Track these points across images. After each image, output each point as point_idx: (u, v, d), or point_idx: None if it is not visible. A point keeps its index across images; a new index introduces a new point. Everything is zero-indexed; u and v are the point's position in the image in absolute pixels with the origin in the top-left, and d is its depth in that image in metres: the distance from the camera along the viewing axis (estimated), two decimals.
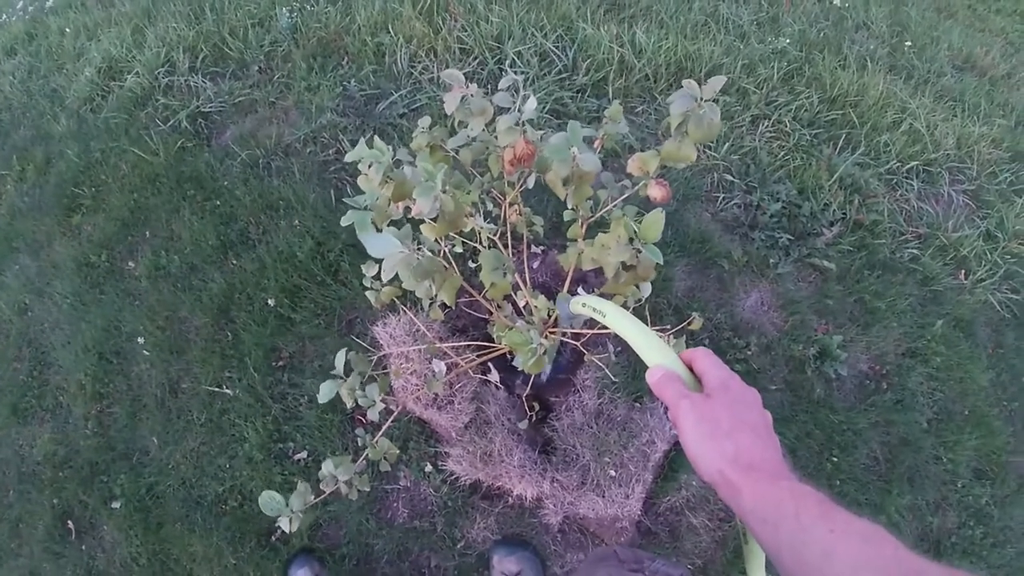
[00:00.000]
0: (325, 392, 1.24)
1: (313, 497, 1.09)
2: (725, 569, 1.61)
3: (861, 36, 2.46)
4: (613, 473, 1.55)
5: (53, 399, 2.15)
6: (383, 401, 1.20)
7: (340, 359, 1.21)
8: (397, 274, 0.99)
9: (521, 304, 1.50)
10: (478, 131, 1.24)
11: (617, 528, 1.59)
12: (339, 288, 1.88)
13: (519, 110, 1.13)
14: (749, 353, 1.79)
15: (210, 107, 2.41)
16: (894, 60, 2.37)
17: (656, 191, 1.19)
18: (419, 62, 2.33)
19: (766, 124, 2.16)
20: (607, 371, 1.53)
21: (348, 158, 1.30)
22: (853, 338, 1.83)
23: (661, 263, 1.01)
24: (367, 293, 1.34)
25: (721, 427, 0.59)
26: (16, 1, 3.29)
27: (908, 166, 2.08)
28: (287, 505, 1.06)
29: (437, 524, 1.65)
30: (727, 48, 2.35)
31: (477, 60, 2.30)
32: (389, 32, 2.44)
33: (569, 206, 1.22)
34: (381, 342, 1.79)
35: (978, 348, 1.84)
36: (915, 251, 1.95)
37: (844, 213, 1.98)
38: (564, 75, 2.23)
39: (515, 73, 2.28)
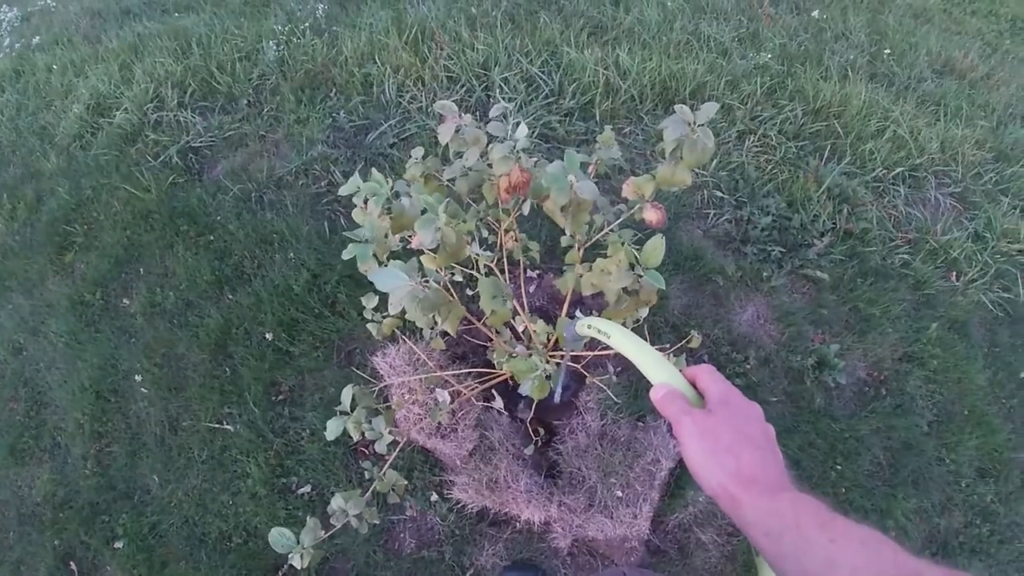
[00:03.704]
0: (332, 429, 1.23)
1: (323, 532, 1.09)
2: None
3: (840, 46, 2.51)
4: (620, 494, 1.55)
5: (51, 439, 2.13)
6: (389, 433, 1.20)
7: (346, 395, 1.21)
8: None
9: (520, 329, 1.50)
10: (473, 160, 1.25)
11: (626, 548, 1.58)
12: (337, 320, 1.88)
13: (512, 138, 1.15)
14: (748, 367, 1.80)
15: (200, 142, 2.42)
16: (874, 68, 2.42)
17: (652, 214, 1.21)
18: (407, 91, 2.35)
19: (752, 139, 2.19)
20: (609, 392, 1.53)
21: (343, 191, 1.31)
22: (850, 346, 1.84)
23: (663, 288, 1.02)
24: (368, 325, 1.34)
25: (722, 442, 0.59)
26: (2, 38, 3.30)
27: (894, 172, 2.12)
28: (298, 541, 1.05)
29: (445, 553, 1.63)
30: (710, 66, 2.39)
31: (464, 88, 2.33)
32: (376, 63, 2.46)
33: (568, 232, 1.23)
34: (381, 372, 1.79)
35: (974, 348, 1.86)
36: (906, 256, 1.97)
37: (834, 223, 2.01)
38: (551, 99, 2.26)
39: (503, 99, 2.31)
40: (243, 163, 2.32)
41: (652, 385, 0.69)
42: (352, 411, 1.21)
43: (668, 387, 0.67)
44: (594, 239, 1.30)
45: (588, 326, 0.88)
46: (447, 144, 1.25)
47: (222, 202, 2.21)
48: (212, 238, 2.14)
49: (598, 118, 2.26)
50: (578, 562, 1.62)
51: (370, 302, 1.34)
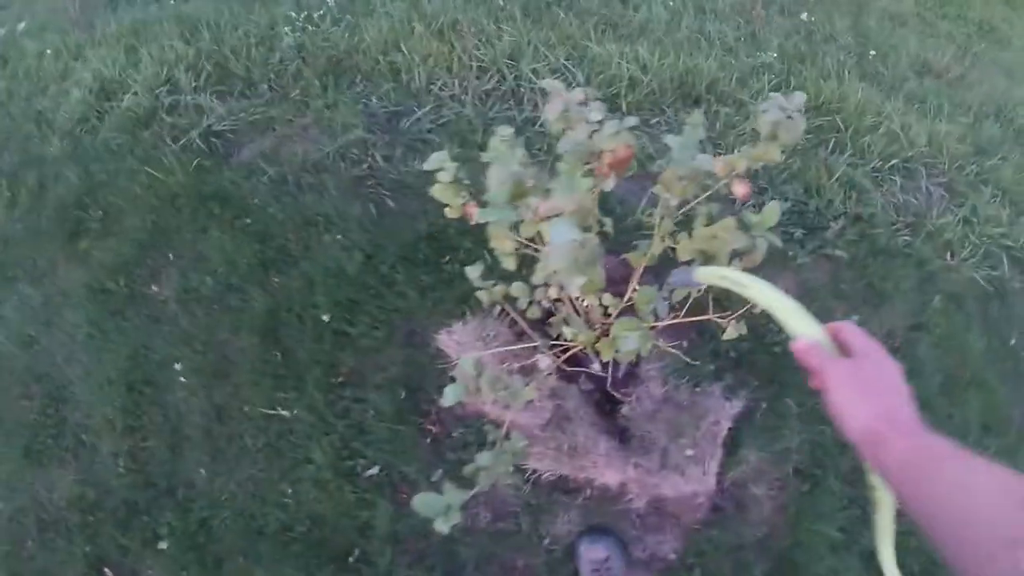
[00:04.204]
0: (451, 395, 1.26)
1: (467, 492, 1.12)
2: (787, 532, 1.74)
3: (830, 48, 2.73)
4: (690, 452, 1.66)
5: (73, 438, 2.03)
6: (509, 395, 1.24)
7: (467, 364, 1.24)
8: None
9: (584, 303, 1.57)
10: (583, 137, 1.33)
11: (694, 504, 1.69)
12: (396, 299, 1.90)
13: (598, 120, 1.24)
14: (781, 336, 1.96)
15: (223, 125, 2.37)
16: (862, 69, 2.66)
17: (740, 188, 1.34)
18: (437, 79, 2.40)
19: (735, 140, 2.35)
20: (681, 355, 1.64)
21: (428, 166, 1.36)
22: (868, 317, 2.03)
23: (780, 245, 1.14)
24: (478, 293, 1.39)
25: (872, 387, 0.65)
26: None
27: (890, 164, 2.34)
28: (446, 503, 1.08)
29: (522, 524, 1.68)
30: (721, 63, 2.56)
31: (495, 78, 2.39)
32: (402, 51, 2.49)
33: (672, 202, 1.33)
34: (447, 350, 1.83)
35: (971, 319, 2.09)
36: (908, 238, 2.19)
37: (845, 208, 2.20)
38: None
39: (530, 91, 2.39)
40: (273, 147, 2.29)
41: (793, 336, 0.73)
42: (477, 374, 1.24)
43: (809, 338, 0.72)
44: (684, 211, 1.41)
45: (722, 276, 0.92)
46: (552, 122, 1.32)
47: (257, 185, 2.18)
48: (249, 221, 2.11)
49: (624, 109, 2.38)
50: (646, 523, 1.71)
51: (474, 272, 1.39)
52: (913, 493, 0.58)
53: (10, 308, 2.27)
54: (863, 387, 0.66)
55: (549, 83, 1.31)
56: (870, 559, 1.73)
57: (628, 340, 1.35)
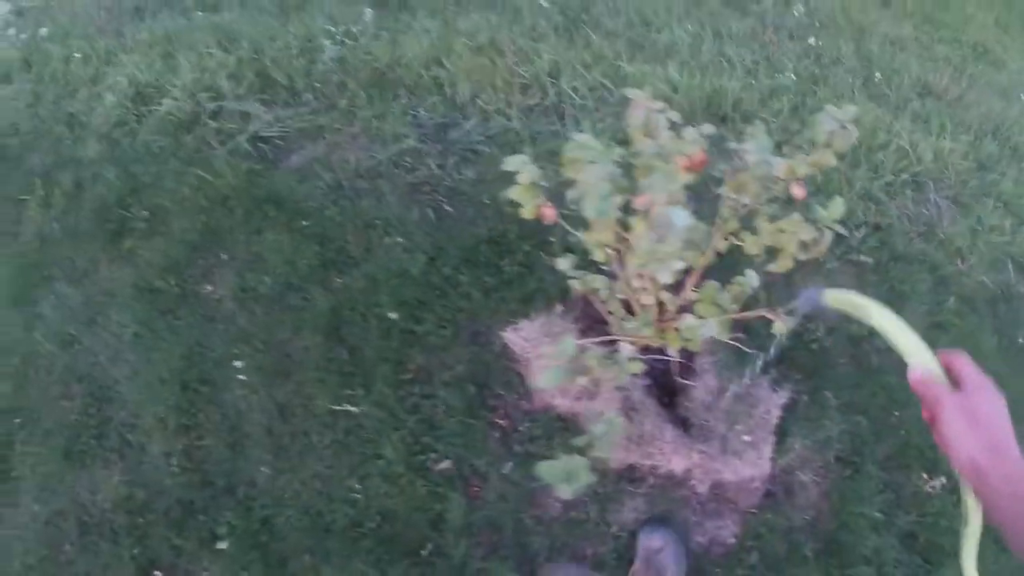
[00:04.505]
0: (549, 378, 1.34)
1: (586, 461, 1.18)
2: (833, 515, 1.85)
3: (838, 71, 2.94)
4: (747, 438, 1.76)
5: (119, 438, 2.02)
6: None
7: (568, 345, 1.32)
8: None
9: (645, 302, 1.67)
10: (666, 142, 1.44)
11: (751, 489, 1.79)
12: (460, 300, 1.96)
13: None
14: (819, 335, 2.09)
15: (271, 132, 2.42)
16: (869, 90, 2.86)
17: (798, 190, 1.50)
18: (482, 93, 2.49)
19: (786, 149, 2.52)
20: (744, 347, 1.74)
21: (508, 166, 1.46)
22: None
23: (846, 235, 1.27)
24: (571, 282, 1.48)
25: (979, 421, 0.72)
26: (5, 28, 3.08)
27: (901, 178, 2.52)
28: (566, 469, 1.14)
29: (590, 512, 1.75)
30: (743, 84, 2.73)
31: (538, 94, 2.51)
32: (444, 66, 2.58)
33: (743, 203, 1.45)
34: (514, 347, 1.90)
35: (983, 319, 2.26)
36: (922, 246, 2.36)
37: (865, 218, 2.37)
38: (618, 108, 2.48)
39: (571, 106, 2.52)
40: (325, 153, 2.34)
41: (909, 364, 0.79)
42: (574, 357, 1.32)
43: (925, 367, 0.78)
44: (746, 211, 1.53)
45: (849, 301, 0.94)
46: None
47: (312, 190, 2.23)
48: (307, 223, 2.15)
49: None
50: (706, 509, 1.80)
51: (564, 263, 1.48)
52: (1006, 517, 0.67)
53: (48, 307, 2.25)
54: (971, 420, 0.72)
55: (632, 92, 1.44)
56: (906, 538, 1.87)
57: (708, 326, 1.45)
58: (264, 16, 3.03)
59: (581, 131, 2.36)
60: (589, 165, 1.35)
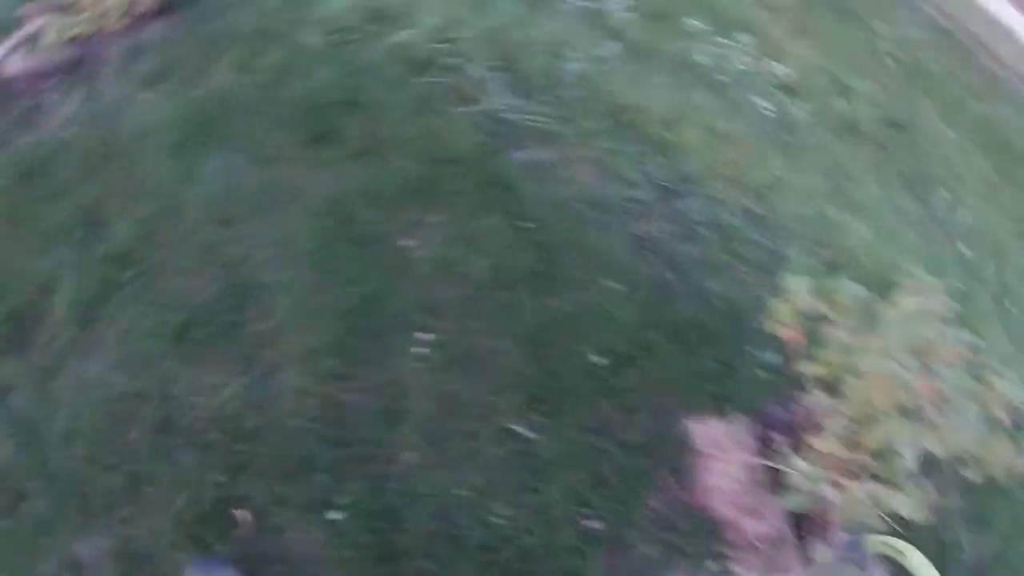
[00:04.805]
0: (794, 502, 1.29)
1: None
2: None
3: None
4: None
5: (250, 346, 1.79)
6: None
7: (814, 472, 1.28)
8: None
9: None
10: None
11: None
12: (662, 370, 1.87)
13: None
14: None
15: (508, 115, 2.31)
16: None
17: None
18: (712, 178, 2.44)
19: None
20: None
21: (790, 285, 1.48)
22: None
23: None
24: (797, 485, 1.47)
25: None
26: None
27: None
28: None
29: None
30: None
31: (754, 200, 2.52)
32: (677, 133, 2.54)
33: None
34: (695, 439, 1.84)
35: None
36: None
37: None
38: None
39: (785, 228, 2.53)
40: (554, 160, 2.24)
41: None
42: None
43: None
44: None
45: (884, 544, 1.03)
46: None
47: (542, 193, 2.12)
48: (531, 226, 2.03)
49: None
50: None
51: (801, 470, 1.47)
52: None
53: (211, 170, 2.01)
54: None
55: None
56: None
57: (903, 502, 1.45)
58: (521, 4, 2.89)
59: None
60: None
